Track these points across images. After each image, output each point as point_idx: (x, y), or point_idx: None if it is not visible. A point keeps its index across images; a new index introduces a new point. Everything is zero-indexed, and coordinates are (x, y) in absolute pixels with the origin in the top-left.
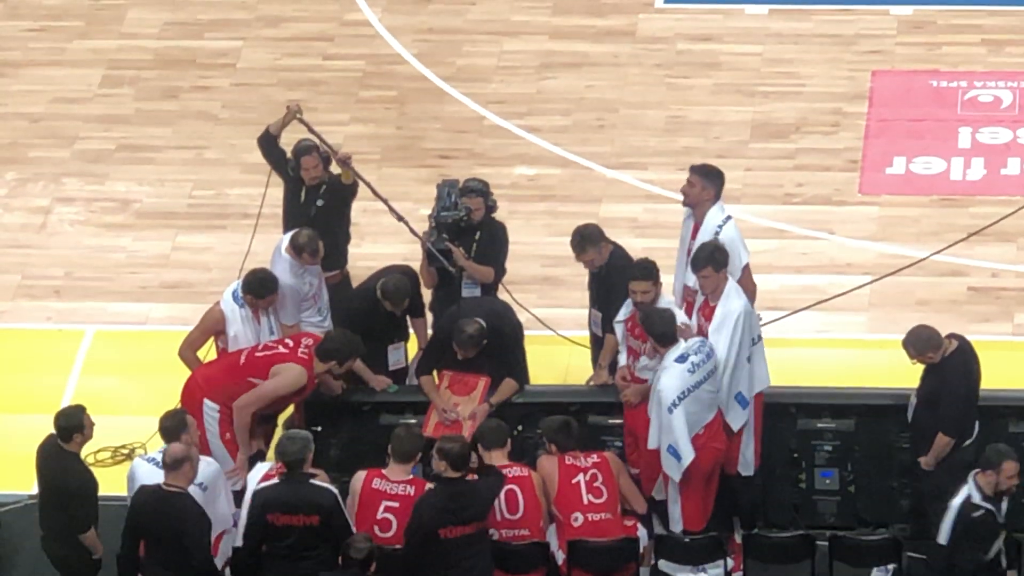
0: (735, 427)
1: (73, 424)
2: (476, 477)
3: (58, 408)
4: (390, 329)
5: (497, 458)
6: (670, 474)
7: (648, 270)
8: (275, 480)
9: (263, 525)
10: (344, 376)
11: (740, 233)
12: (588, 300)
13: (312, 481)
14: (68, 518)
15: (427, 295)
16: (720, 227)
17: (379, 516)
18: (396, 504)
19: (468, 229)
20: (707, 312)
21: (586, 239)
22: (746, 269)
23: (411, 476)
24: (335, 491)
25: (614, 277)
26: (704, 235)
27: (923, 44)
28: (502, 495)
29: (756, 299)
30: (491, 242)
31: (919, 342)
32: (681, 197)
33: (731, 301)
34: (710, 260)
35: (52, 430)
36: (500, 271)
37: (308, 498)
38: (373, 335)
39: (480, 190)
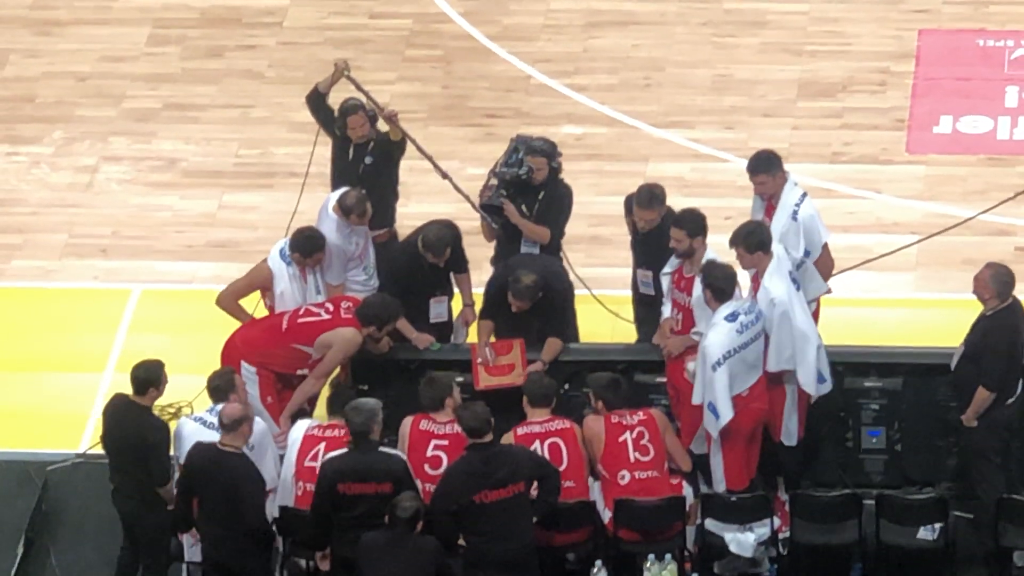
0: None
1: (152, 377)
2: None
3: (103, 367)
4: (433, 282)
5: (540, 414)
6: (708, 429)
7: (680, 219)
8: (343, 450)
9: (333, 495)
10: (390, 333)
11: (817, 211)
12: (632, 261)
13: (381, 449)
14: (147, 473)
15: (489, 251)
16: (798, 206)
17: (429, 454)
18: (445, 442)
19: (532, 188)
20: (756, 285)
21: (656, 198)
22: (825, 247)
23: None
24: (404, 457)
25: (666, 239)
26: (781, 214)
27: (970, 3)
28: (545, 448)
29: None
30: (551, 204)
31: (1001, 283)
32: (729, 158)
33: (774, 281)
34: (738, 242)
35: (100, 388)
36: (558, 233)
37: (380, 466)
38: (416, 288)
39: (544, 151)
